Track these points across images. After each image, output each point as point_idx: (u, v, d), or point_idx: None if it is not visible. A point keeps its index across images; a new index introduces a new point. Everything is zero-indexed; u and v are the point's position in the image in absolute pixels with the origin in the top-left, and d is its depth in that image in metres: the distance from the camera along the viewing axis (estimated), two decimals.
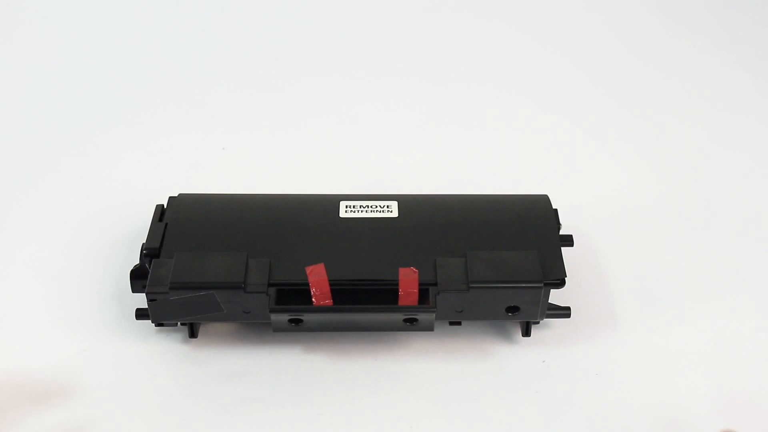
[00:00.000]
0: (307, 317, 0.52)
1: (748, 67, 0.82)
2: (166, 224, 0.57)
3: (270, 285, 0.52)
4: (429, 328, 0.54)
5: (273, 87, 0.81)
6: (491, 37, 0.87)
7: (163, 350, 0.56)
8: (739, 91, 0.79)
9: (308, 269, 0.52)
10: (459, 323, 0.56)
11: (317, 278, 0.52)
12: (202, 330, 0.57)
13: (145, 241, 0.56)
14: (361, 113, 0.78)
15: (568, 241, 0.57)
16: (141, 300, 0.54)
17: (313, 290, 0.52)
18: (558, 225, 0.57)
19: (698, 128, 0.75)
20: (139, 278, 0.54)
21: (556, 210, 0.57)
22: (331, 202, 0.58)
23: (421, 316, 0.52)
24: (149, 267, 0.54)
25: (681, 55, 0.84)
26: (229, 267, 0.52)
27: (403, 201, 0.59)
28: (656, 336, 0.57)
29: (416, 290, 0.51)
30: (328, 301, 0.52)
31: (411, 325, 0.53)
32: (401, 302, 0.51)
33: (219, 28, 0.89)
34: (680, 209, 0.67)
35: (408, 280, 0.51)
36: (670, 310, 0.59)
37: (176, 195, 0.59)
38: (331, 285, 0.52)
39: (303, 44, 0.86)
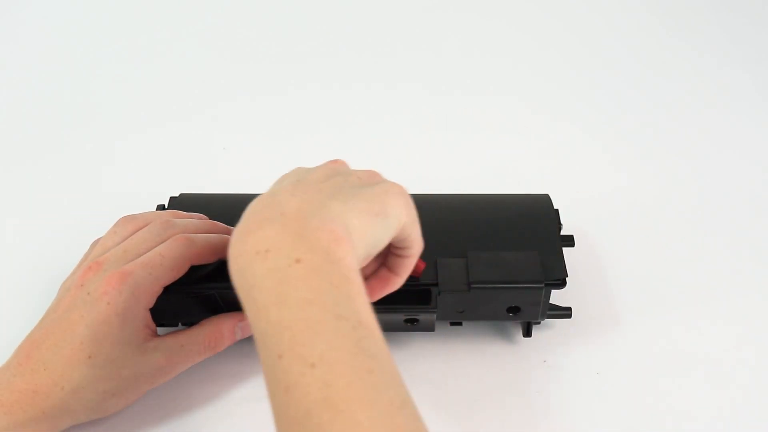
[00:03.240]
0: None
1: (748, 67, 0.82)
2: None
3: None
4: (430, 328, 0.54)
5: (274, 88, 0.81)
6: (491, 39, 0.87)
7: None
8: (739, 91, 0.79)
9: None
10: (460, 323, 0.56)
11: None
12: None
13: None
14: (361, 113, 0.78)
15: (570, 241, 0.57)
16: None
17: None
18: (559, 225, 0.56)
19: (698, 128, 0.75)
20: None
21: (557, 210, 0.57)
22: None
23: (422, 317, 0.52)
24: None
25: (681, 55, 0.84)
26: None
27: None
28: (657, 336, 0.57)
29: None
30: None
31: (412, 325, 0.53)
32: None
33: (220, 29, 0.89)
34: (681, 209, 0.67)
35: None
36: (671, 310, 0.59)
37: (177, 195, 0.59)
38: None
39: (304, 45, 0.86)
